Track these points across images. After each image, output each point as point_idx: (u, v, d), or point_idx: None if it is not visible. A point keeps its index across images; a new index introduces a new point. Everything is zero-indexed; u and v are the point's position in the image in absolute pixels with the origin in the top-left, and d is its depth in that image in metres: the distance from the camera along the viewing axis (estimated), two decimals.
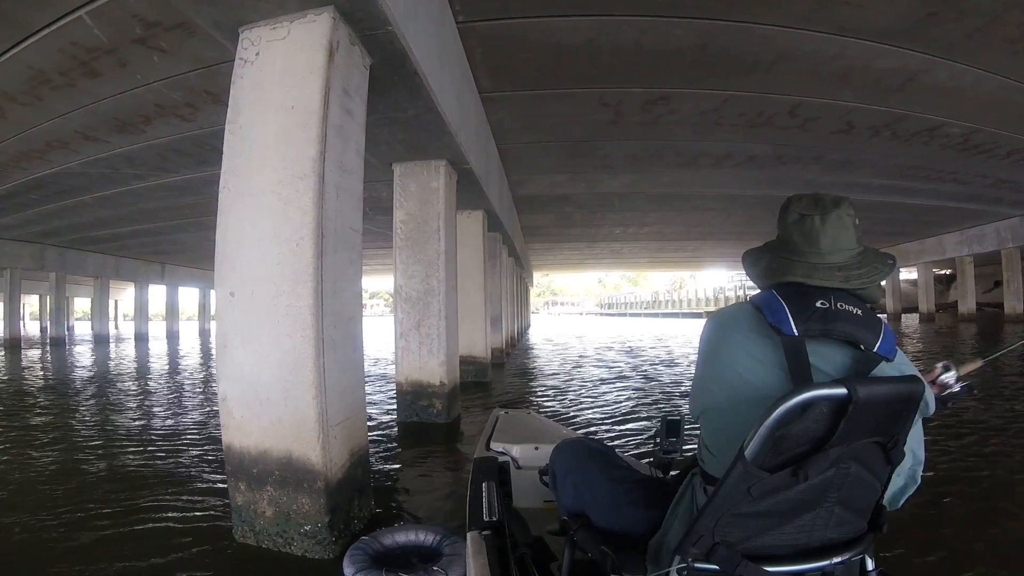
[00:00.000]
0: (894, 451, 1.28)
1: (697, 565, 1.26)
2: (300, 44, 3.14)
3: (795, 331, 1.26)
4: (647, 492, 1.68)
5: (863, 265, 1.37)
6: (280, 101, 3.10)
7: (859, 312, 1.30)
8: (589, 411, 7.02)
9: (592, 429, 5.91)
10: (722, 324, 1.45)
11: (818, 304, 1.28)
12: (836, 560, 1.29)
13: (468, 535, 2.05)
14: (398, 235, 6.45)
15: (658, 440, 1.95)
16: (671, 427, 1.92)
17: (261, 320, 3.05)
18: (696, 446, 1.55)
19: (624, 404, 7.50)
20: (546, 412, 6.80)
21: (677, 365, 12.34)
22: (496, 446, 2.88)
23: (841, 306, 1.29)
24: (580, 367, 12.52)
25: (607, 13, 5.82)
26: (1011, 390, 7.18)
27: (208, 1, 3.16)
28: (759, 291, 1.46)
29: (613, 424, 6.18)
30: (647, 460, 2.09)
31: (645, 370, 11.60)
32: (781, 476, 1.19)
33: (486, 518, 2.11)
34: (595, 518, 1.70)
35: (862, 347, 1.28)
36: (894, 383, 1.24)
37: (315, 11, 3.15)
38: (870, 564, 1.39)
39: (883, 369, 1.30)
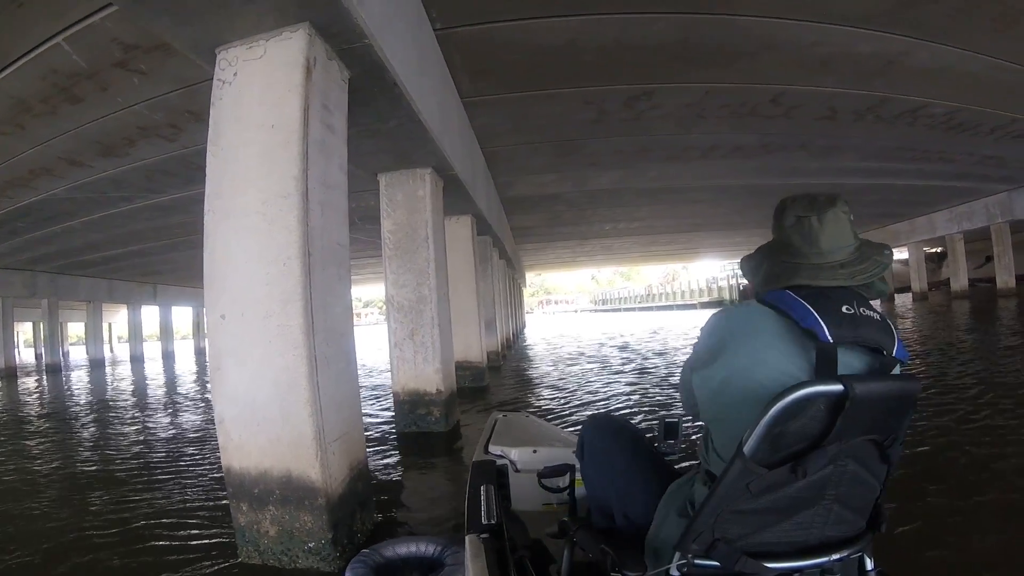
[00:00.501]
0: (891, 449, 1.30)
1: (697, 561, 1.28)
2: (277, 62, 3.13)
3: (829, 337, 1.24)
4: (662, 476, 1.71)
5: (863, 260, 1.39)
6: (260, 120, 3.09)
7: (878, 317, 1.32)
8: (588, 409, 7.03)
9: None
10: (741, 327, 1.40)
11: (844, 309, 1.29)
12: (834, 557, 1.31)
13: (467, 538, 2.05)
14: (387, 245, 6.44)
15: (656, 444, 1.96)
16: (669, 429, 1.92)
17: (253, 341, 3.04)
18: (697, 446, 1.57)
19: (622, 400, 7.54)
20: (544, 412, 6.82)
21: (666, 355, 12.41)
22: (494, 449, 2.88)
23: (863, 311, 1.30)
24: (576, 364, 12.60)
25: (587, 12, 5.81)
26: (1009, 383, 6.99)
27: (184, 23, 3.14)
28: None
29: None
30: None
31: (640, 364, 11.73)
32: (780, 472, 1.20)
33: (485, 521, 2.11)
34: (611, 496, 1.74)
35: (884, 352, 1.30)
36: (890, 381, 1.25)
37: (290, 28, 3.14)
38: (869, 563, 1.40)
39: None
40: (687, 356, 1.59)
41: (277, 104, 3.09)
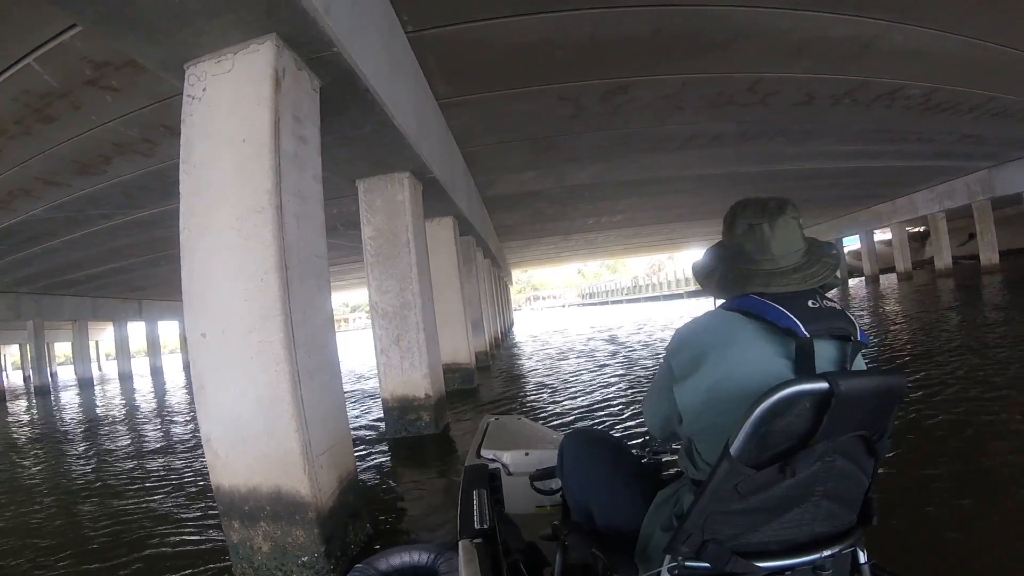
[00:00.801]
0: (879, 444, 1.31)
1: (688, 563, 1.28)
2: (246, 76, 3.11)
3: (806, 333, 1.29)
4: (647, 486, 1.69)
5: (813, 263, 1.43)
6: (231, 135, 3.07)
7: (839, 307, 1.37)
8: (577, 404, 7.06)
9: (585, 423, 5.92)
10: (719, 334, 1.41)
11: (810, 304, 1.34)
12: (826, 553, 1.31)
13: (460, 543, 2.04)
14: (368, 251, 6.41)
15: (647, 448, 1.95)
16: None
17: (235, 358, 3.02)
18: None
19: (607, 392, 7.62)
20: (535, 410, 6.82)
21: (651, 346, 12.49)
22: (487, 453, 2.86)
23: (826, 303, 1.36)
24: (565, 359, 12.66)
25: (559, 9, 5.79)
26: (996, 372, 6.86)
27: (150, 40, 3.12)
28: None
29: (603, 415, 6.21)
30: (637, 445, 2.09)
31: (626, 355, 11.85)
32: (768, 473, 1.20)
33: (477, 525, 2.11)
34: (595, 509, 1.72)
35: (851, 339, 1.35)
36: (875, 376, 1.26)
37: (257, 40, 3.11)
38: (862, 557, 1.41)
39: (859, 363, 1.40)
40: (655, 376, 1.59)
41: (247, 118, 3.06)
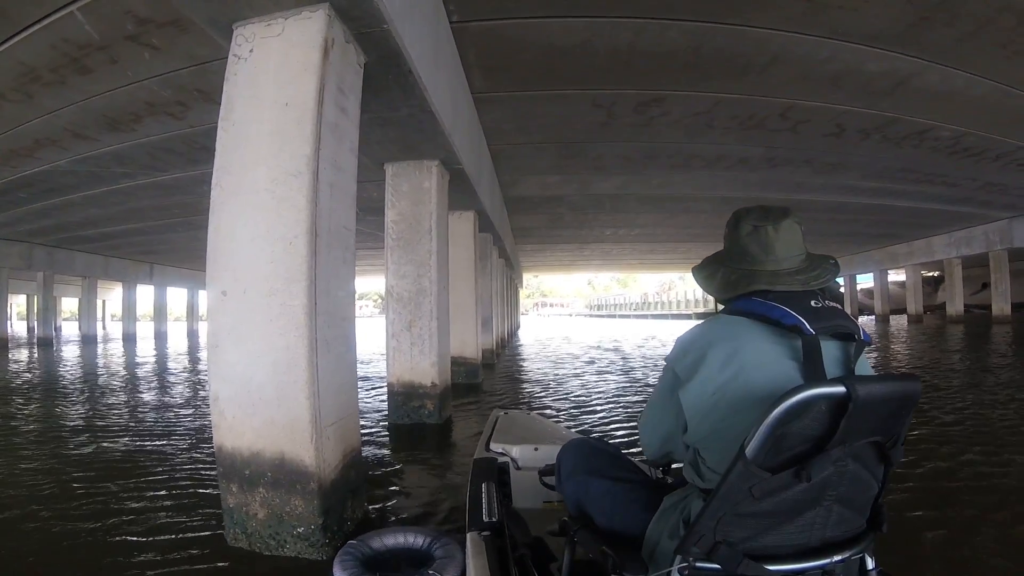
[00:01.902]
0: (893, 450, 1.30)
1: (699, 564, 1.27)
2: (295, 41, 3.11)
3: (812, 330, 1.29)
4: (649, 493, 1.68)
5: (814, 268, 1.47)
6: (274, 98, 3.07)
7: (840, 307, 1.39)
8: (580, 408, 7.04)
9: (585, 428, 5.90)
10: (724, 337, 1.40)
11: (812, 304, 1.35)
12: (836, 558, 1.30)
13: (468, 536, 2.06)
14: (390, 235, 6.42)
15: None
16: None
17: (254, 319, 3.01)
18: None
19: (612, 400, 7.61)
20: (538, 411, 6.81)
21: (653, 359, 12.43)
22: (496, 447, 2.88)
23: (828, 304, 1.37)
24: (569, 366, 12.63)
25: (602, 15, 5.81)
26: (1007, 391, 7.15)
27: None
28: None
29: (604, 424, 6.20)
30: (640, 459, 2.08)
31: (631, 366, 11.91)
32: (783, 477, 1.20)
33: (486, 519, 2.12)
34: (597, 518, 1.70)
35: (855, 338, 1.36)
36: (892, 382, 1.25)
37: (310, 8, 3.12)
38: (870, 563, 1.40)
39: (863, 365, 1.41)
40: (652, 394, 1.60)
41: (292, 82, 3.06)
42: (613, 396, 7.97)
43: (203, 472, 4.51)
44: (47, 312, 25.30)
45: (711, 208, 15.44)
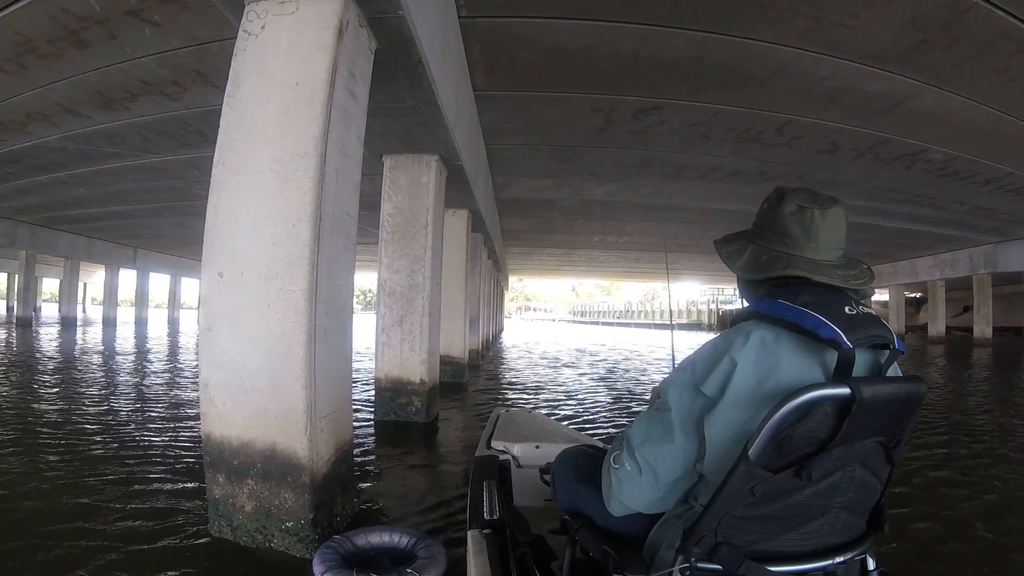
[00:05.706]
0: (896, 451, 1.28)
1: (700, 565, 1.24)
2: (309, 20, 3.04)
3: (849, 343, 1.17)
4: None
5: (852, 267, 1.36)
6: (284, 77, 3.00)
7: (874, 312, 1.29)
8: (565, 408, 7.08)
9: (571, 425, 5.88)
10: (756, 356, 1.24)
11: (847, 311, 1.23)
12: (838, 560, 1.28)
13: (469, 533, 2.04)
14: (385, 228, 6.36)
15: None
16: None
17: (250, 304, 2.92)
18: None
19: (596, 399, 7.71)
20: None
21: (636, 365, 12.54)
22: (497, 444, 2.87)
23: (862, 310, 1.27)
24: (553, 368, 12.79)
25: (609, 19, 5.80)
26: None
27: None
28: (749, 304, 1.39)
29: (585, 421, 6.24)
30: None
31: (612, 369, 12.16)
32: (784, 476, 1.17)
33: (487, 517, 2.09)
34: (596, 519, 1.66)
35: (889, 347, 1.27)
36: (897, 383, 1.23)
37: None
38: (871, 564, 1.38)
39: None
40: (646, 437, 1.36)
41: (304, 62, 2.99)
42: (606, 405, 7.95)
43: (187, 460, 4.40)
44: (28, 292, 24.93)
45: (700, 219, 15.54)
